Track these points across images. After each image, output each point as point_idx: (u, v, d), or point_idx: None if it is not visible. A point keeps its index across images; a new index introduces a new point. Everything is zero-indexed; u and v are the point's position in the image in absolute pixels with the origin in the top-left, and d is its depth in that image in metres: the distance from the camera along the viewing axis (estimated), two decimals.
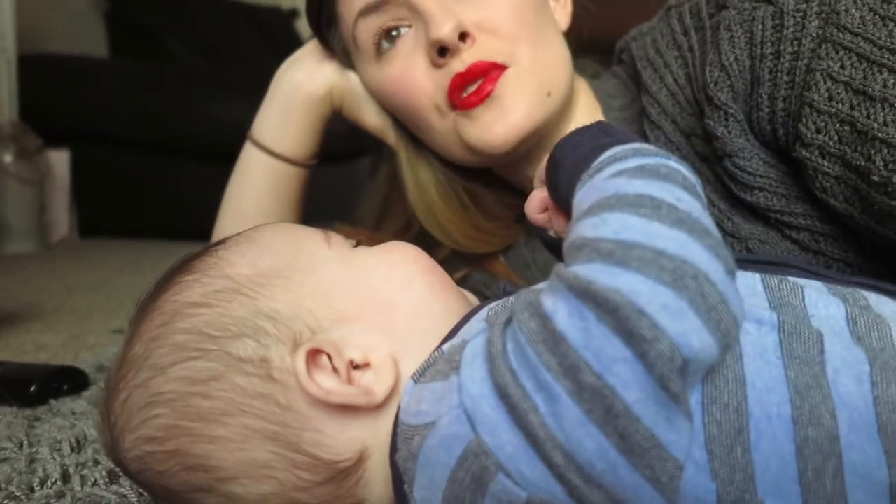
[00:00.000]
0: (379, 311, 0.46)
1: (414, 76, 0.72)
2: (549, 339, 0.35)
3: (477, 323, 0.45)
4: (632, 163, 0.40)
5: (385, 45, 0.73)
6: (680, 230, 0.35)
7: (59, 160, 2.47)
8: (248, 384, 0.42)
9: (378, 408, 0.43)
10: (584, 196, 0.41)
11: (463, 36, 0.69)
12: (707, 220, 0.37)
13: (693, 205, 0.37)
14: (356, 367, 0.44)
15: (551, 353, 0.34)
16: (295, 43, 0.87)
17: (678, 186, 0.38)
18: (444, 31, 0.67)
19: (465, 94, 0.70)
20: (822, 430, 0.35)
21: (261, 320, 0.44)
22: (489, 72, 0.69)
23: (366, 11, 0.72)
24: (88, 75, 2.46)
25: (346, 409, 0.43)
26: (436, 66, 0.70)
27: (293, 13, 3.39)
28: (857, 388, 0.36)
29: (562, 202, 0.47)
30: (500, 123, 0.70)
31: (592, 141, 0.46)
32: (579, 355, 0.33)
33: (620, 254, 0.34)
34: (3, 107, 2.33)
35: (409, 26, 0.72)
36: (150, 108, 2.39)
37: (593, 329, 0.33)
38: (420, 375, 0.42)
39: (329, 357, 0.43)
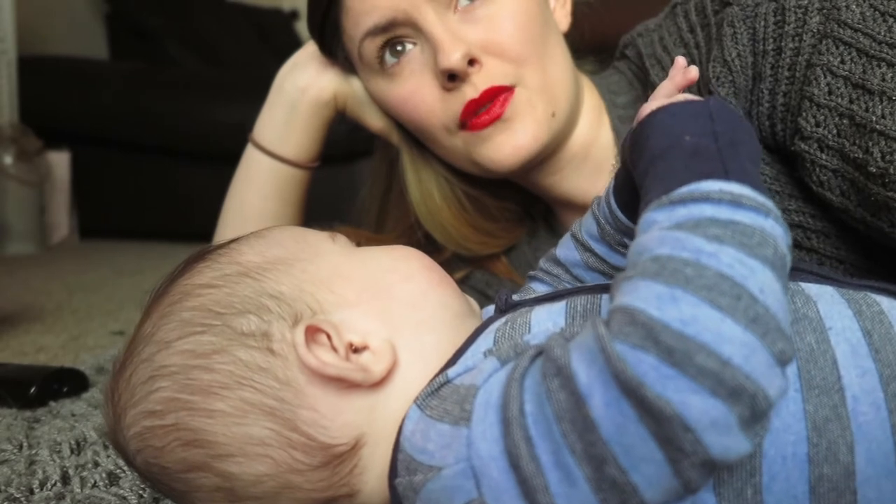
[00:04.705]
0: (378, 299, 0.47)
1: (423, 98, 0.73)
2: (579, 422, 0.33)
3: (484, 341, 0.45)
4: (724, 213, 0.35)
5: (389, 59, 0.73)
6: (753, 333, 0.32)
7: (59, 162, 2.47)
8: (248, 357, 0.43)
9: (375, 390, 0.44)
10: (656, 228, 0.36)
11: (471, 62, 0.70)
12: (783, 311, 0.33)
13: (774, 293, 0.33)
14: (355, 350, 0.44)
15: (578, 437, 0.33)
16: (295, 44, 0.87)
17: (766, 265, 0.34)
18: (454, 59, 0.68)
19: (475, 116, 0.71)
20: (839, 467, 0.35)
21: (265, 299, 0.45)
22: (499, 95, 0.70)
23: (374, 32, 0.72)
24: (89, 77, 2.46)
25: (343, 390, 0.43)
26: (445, 90, 0.71)
27: (294, 14, 3.39)
28: (875, 415, 0.35)
29: (630, 170, 0.45)
30: (508, 145, 0.72)
31: (694, 137, 0.40)
32: (609, 448, 0.32)
33: (680, 356, 0.31)
34: (3, 108, 2.33)
35: (415, 44, 0.72)
36: (150, 110, 2.39)
37: (631, 427, 0.31)
38: (424, 401, 0.42)
39: (328, 337, 0.44)
